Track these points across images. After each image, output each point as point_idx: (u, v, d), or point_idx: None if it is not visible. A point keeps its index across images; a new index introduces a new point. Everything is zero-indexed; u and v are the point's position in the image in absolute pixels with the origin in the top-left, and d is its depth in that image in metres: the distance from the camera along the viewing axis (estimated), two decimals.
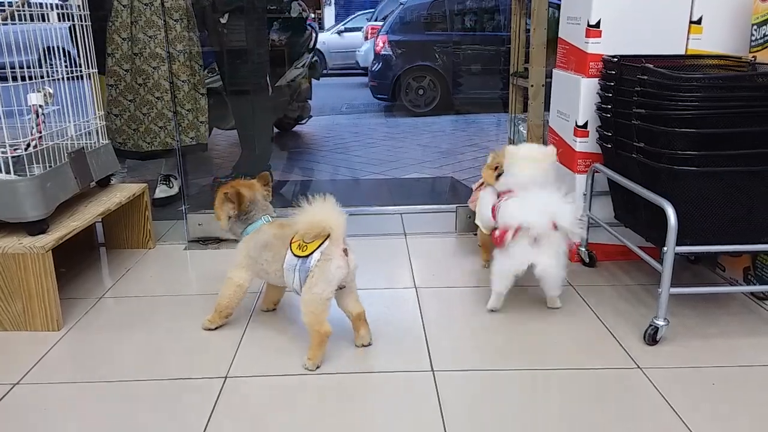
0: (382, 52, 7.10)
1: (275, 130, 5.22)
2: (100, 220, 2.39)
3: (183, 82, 2.88)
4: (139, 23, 2.78)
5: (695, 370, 1.65)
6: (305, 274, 1.64)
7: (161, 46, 2.77)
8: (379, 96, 7.26)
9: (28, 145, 1.95)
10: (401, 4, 7.39)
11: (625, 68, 1.94)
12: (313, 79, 5.52)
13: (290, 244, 1.68)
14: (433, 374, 1.63)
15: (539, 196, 1.91)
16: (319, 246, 1.63)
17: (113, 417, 1.48)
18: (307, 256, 1.64)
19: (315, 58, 5.18)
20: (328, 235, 1.63)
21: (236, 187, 1.82)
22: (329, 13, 14.04)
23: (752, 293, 2.06)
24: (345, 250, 1.66)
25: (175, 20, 2.82)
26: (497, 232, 1.93)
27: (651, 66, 1.79)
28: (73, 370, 1.69)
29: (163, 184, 3.17)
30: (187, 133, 2.96)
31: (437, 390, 1.56)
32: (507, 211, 1.93)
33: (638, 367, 1.67)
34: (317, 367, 1.66)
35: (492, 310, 1.98)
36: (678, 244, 1.71)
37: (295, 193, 3.68)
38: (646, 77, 1.80)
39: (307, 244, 1.64)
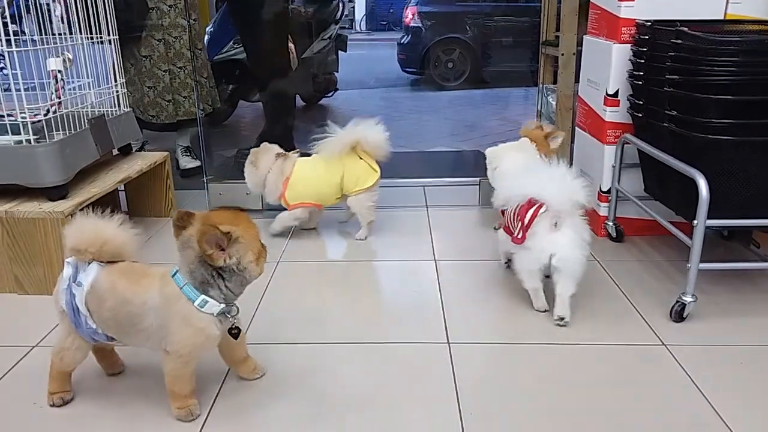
0: (411, 24, 6.97)
1: (301, 102, 5.19)
2: (121, 187, 2.39)
3: (200, 50, 2.89)
4: None
5: (723, 348, 1.59)
6: None
7: (181, 15, 2.75)
8: (408, 69, 7.15)
9: (48, 111, 1.95)
10: None
11: (658, 32, 1.85)
12: (340, 52, 5.46)
13: None
14: (449, 346, 1.60)
15: (549, 170, 1.69)
16: None
17: (128, 381, 1.49)
18: None
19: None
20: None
21: None
22: None
23: None
24: None
25: None
26: (515, 225, 1.68)
27: (686, 29, 1.70)
28: None
29: (185, 155, 3.18)
30: (206, 101, 2.97)
31: (452, 362, 1.53)
32: (514, 186, 1.71)
33: (663, 344, 1.61)
34: None
35: (542, 311, 1.75)
36: (710, 217, 1.63)
37: None
38: (680, 41, 1.71)
39: None
